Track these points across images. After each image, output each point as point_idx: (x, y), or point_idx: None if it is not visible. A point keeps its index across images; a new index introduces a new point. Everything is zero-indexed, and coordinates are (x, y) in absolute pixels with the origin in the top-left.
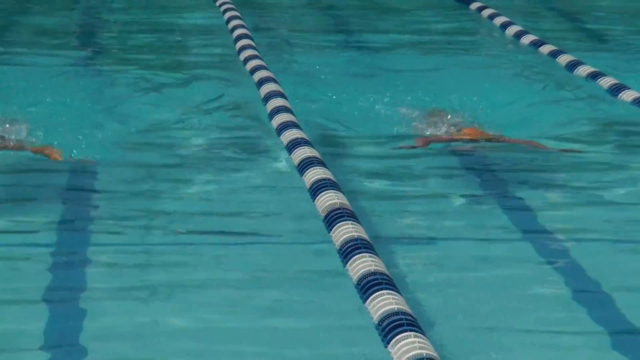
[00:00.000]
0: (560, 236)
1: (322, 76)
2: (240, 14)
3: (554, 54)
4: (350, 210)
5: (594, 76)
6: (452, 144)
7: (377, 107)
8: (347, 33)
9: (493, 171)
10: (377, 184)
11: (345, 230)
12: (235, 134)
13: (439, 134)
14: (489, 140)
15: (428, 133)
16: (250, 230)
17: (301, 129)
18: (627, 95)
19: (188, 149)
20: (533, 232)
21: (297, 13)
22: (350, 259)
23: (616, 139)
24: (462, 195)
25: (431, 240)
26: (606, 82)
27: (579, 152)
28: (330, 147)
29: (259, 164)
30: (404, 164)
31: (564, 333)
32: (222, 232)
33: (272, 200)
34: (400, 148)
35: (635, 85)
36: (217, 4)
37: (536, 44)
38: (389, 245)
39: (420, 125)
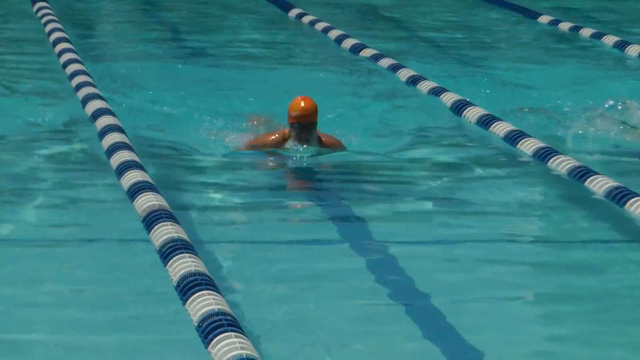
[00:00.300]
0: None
1: (146, 82)
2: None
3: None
4: (170, 212)
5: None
6: None
7: (195, 112)
8: (176, 40)
9: None
10: (199, 187)
11: (165, 231)
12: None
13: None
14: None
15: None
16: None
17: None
18: (424, 86)
19: None
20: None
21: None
22: (170, 260)
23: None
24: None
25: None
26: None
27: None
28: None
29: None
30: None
31: (380, 326)
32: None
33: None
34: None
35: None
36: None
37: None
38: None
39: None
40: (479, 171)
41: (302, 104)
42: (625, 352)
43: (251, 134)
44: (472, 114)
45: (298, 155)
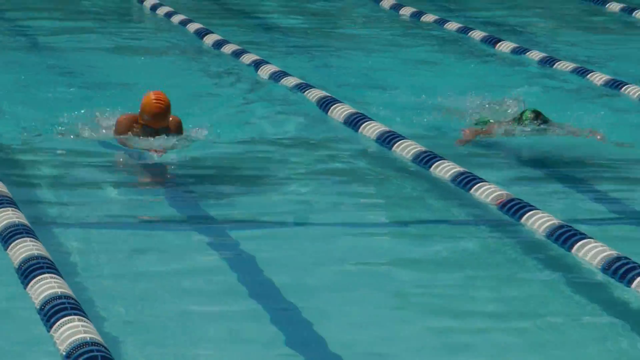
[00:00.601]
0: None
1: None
2: None
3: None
4: (10, 197)
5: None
6: None
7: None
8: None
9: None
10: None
11: (5, 216)
12: None
13: None
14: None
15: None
16: None
17: None
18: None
19: None
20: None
21: None
22: (10, 244)
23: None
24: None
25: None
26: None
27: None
28: None
29: None
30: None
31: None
32: None
33: None
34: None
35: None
36: None
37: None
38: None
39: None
40: (335, 162)
41: (156, 110)
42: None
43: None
44: (339, 112)
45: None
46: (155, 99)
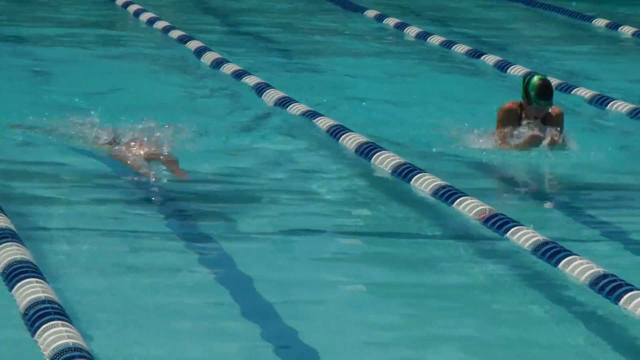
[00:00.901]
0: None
1: None
2: None
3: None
4: None
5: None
6: None
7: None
8: None
9: None
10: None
11: None
12: None
13: None
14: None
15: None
16: None
17: None
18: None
19: None
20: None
21: None
22: None
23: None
24: None
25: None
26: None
27: None
28: None
29: None
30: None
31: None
32: None
33: None
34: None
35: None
36: None
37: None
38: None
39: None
40: (304, 165)
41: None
42: (449, 341)
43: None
44: (296, 109)
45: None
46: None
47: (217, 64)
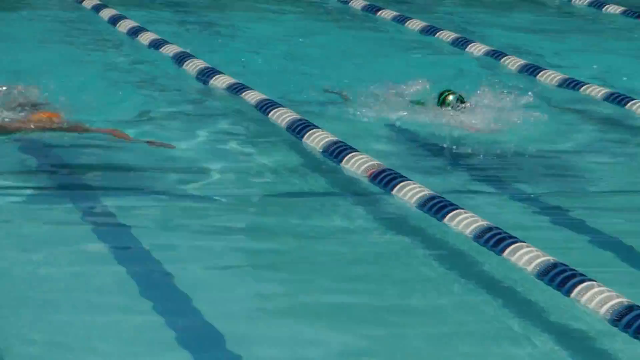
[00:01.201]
0: None
1: None
2: None
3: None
4: None
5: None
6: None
7: None
8: None
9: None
10: None
11: None
12: None
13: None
14: (67, 129)
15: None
16: None
17: None
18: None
19: None
20: None
21: None
22: None
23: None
24: None
25: None
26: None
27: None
28: None
29: None
30: None
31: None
32: None
33: None
34: None
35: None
36: None
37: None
38: None
39: None
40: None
41: None
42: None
43: None
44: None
45: None
46: None
47: (114, 20)
